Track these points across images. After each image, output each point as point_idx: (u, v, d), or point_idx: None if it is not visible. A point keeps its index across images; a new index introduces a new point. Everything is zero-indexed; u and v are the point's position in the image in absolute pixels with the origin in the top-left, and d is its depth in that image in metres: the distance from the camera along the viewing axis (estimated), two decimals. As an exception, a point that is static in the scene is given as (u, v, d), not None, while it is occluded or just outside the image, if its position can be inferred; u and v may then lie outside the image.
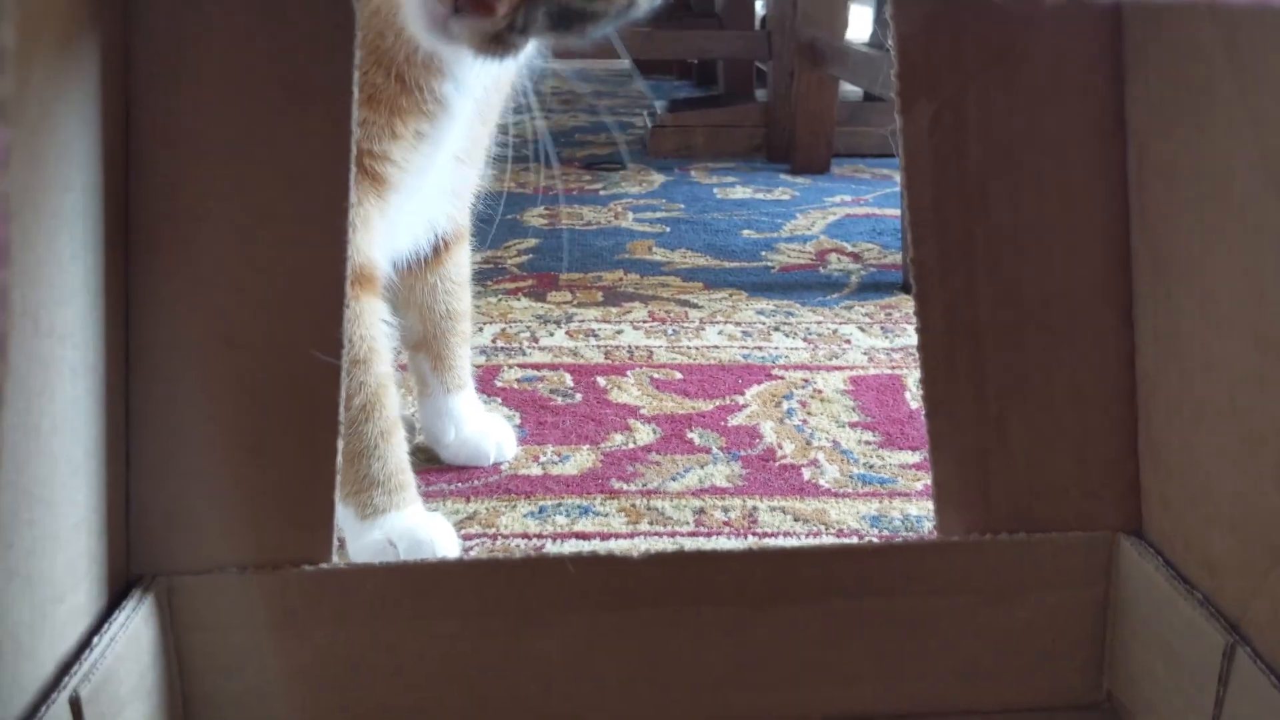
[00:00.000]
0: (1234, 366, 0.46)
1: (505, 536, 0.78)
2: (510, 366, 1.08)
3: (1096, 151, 0.52)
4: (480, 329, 1.18)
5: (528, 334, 1.17)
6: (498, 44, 0.57)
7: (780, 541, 0.77)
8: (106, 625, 0.49)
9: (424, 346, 0.85)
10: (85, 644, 0.48)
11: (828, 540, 0.77)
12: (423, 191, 0.72)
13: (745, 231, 1.60)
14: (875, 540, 0.73)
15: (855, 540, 0.75)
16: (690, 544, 0.76)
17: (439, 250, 0.82)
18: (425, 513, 0.72)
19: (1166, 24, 0.47)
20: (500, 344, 1.14)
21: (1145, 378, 0.53)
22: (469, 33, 0.56)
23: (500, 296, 1.29)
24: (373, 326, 0.68)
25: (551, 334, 1.17)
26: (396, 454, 0.69)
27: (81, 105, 0.46)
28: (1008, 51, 0.51)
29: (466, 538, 0.77)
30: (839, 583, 0.55)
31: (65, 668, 0.47)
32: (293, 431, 0.53)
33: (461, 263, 0.85)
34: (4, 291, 0.22)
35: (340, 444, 0.54)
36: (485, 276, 1.37)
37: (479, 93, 0.70)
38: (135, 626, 0.51)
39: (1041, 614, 0.55)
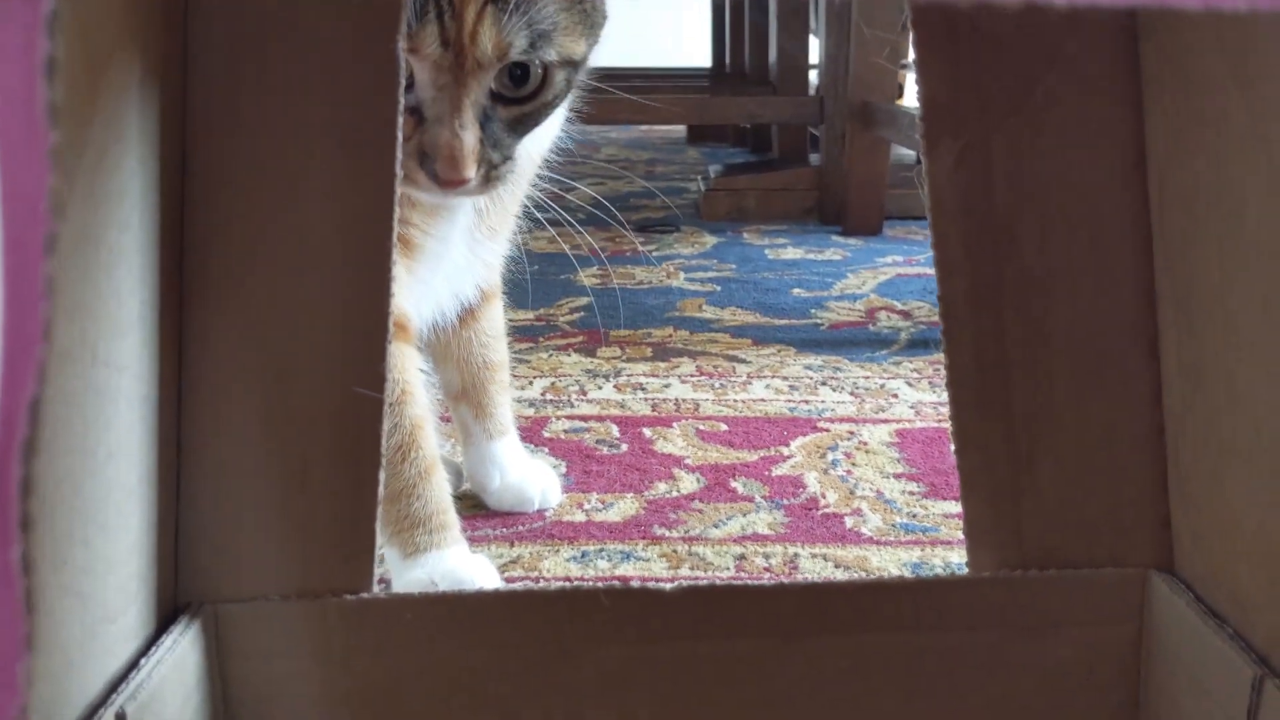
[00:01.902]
0: (1257, 398, 0.46)
1: (547, 580, 0.79)
2: (558, 418, 1.10)
3: (1121, 188, 0.52)
4: (530, 383, 1.20)
5: (576, 387, 1.19)
6: (492, 181, 0.65)
7: (820, 586, 0.77)
8: (154, 648, 0.51)
9: (464, 397, 0.88)
10: (133, 664, 0.50)
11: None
12: (445, 261, 0.75)
13: (795, 290, 1.62)
14: (907, 576, 0.73)
15: (887, 575, 0.76)
16: (730, 588, 0.77)
17: (472, 310, 0.84)
18: (468, 553, 0.73)
19: (1179, 56, 0.48)
20: (549, 397, 1.16)
21: (1172, 412, 0.53)
22: (466, 194, 0.65)
23: (551, 352, 1.32)
24: (406, 371, 0.70)
25: (600, 387, 1.19)
26: (436, 494, 0.71)
27: (140, 149, 0.49)
28: (1031, 92, 0.52)
29: (509, 580, 0.78)
30: (870, 618, 0.56)
31: (113, 686, 0.48)
32: (337, 464, 0.55)
33: (494, 317, 0.88)
34: (46, 323, 0.24)
35: (382, 476, 0.55)
36: (537, 333, 1.39)
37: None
38: (182, 650, 0.52)
39: (1074, 650, 0.55)
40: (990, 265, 0.54)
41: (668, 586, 0.55)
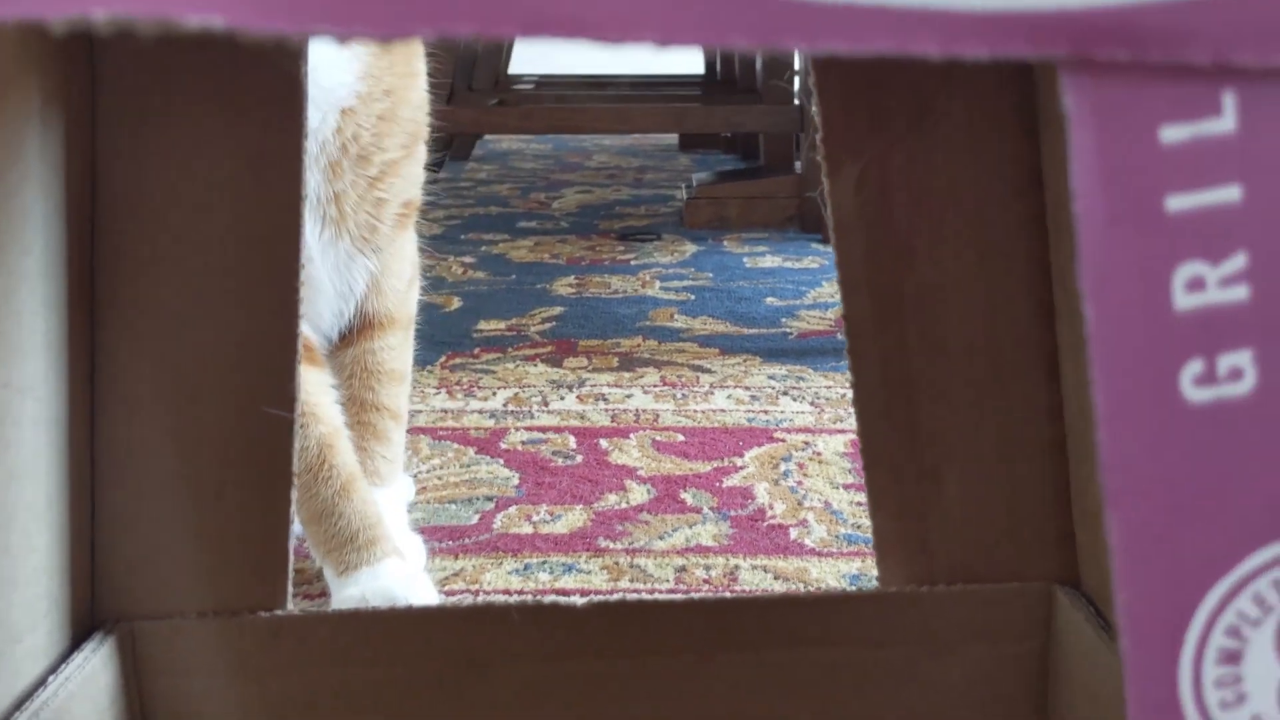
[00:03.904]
0: (1139, 415, 0.46)
1: (488, 593, 0.79)
2: (517, 429, 1.11)
3: (1016, 207, 0.53)
4: (494, 393, 1.21)
5: (539, 398, 1.20)
6: None
7: (756, 598, 0.78)
8: (63, 665, 0.52)
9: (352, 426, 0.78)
10: (41, 682, 0.51)
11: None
12: (310, 274, 0.72)
13: (769, 299, 1.62)
14: (813, 590, 0.74)
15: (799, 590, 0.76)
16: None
17: (357, 332, 0.79)
18: (403, 568, 0.74)
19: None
20: (511, 408, 1.17)
21: (1071, 428, 0.53)
22: None
23: (518, 362, 1.32)
24: (309, 392, 0.70)
25: (562, 398, 1.20)
26: (359, 509, 0.71)
27: (43, 173, 0.49)
28: (927, 111, 0.52)
29: (450, 594, 0.79)
30: (779, 634, 0.56)
31: (18, 704, 0.49)
32: (250, 482, 0.56)
33: (385, 349, 0.78)
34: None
35: (294, 495, 0.56)
36: (506, 343, 1.40)
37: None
38: (93, 668, 0.53)
39: (980, 666, 0.55)
40: (891, 281, 0.54)
41: (579, 602, 0.55)
